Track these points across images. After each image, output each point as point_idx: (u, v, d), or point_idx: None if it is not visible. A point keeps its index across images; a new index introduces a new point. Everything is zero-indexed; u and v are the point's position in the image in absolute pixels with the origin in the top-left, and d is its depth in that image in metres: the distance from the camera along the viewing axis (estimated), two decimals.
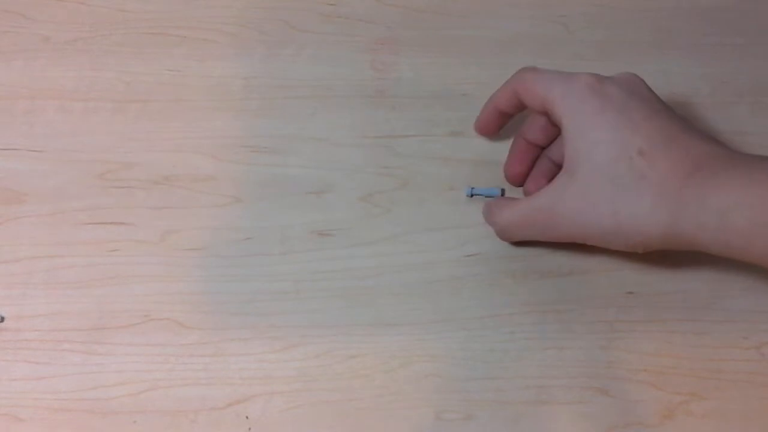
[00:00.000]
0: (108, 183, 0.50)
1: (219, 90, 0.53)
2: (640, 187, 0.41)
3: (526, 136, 0.49)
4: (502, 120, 0.49)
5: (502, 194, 0.50)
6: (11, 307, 0.46)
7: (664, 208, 0.40)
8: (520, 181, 0.49)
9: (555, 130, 0.47)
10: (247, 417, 0.44)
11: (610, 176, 0.41)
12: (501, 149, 0.51)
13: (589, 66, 0.54)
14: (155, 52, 0.54)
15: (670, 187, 0.40)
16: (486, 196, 0.50)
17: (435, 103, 0.53)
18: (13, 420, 0.43)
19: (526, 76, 0.46)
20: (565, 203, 0.43)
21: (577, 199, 0.42)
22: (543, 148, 0.49)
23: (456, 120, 0.52)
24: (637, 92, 0.44)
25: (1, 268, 0.47)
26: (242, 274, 0.47)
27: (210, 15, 0.56)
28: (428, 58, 0.54)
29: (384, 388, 0.45)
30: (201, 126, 0.52)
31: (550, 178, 0.47)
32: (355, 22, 0.56)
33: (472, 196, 0.50)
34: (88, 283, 0.47)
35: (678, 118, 0.43)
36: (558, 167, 0.46)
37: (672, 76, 0.54)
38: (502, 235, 0.47)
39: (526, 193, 0.49)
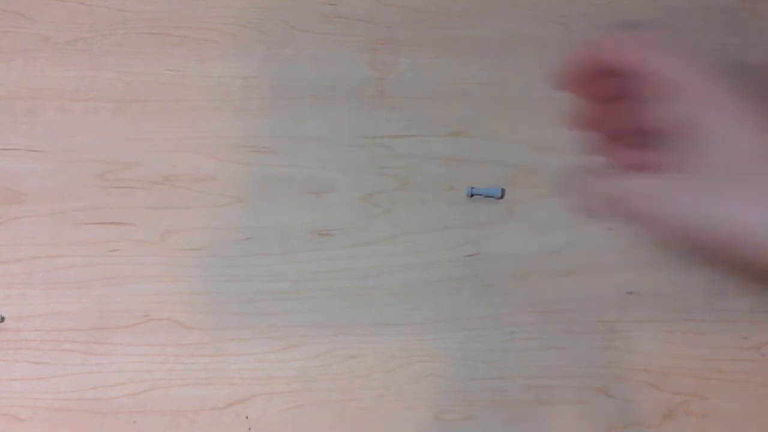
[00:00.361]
0: (108, 183, 0.50)
1: (219, 90, 0.53)
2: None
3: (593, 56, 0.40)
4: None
5: (502, 194, 0.50)
6: (11, 307, 0.46)
7: None
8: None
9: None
10: (247, 417, 0.44)
11: (748, 165, 0.36)
12: (501, 149, 0.51)
13: None
14: (155, 52, 0.55)
15: None
16: (486, 196, 0.50)
17: (435, 103, 0.53)
18: (13, 420, 0.43)
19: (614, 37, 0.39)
20: (700, 189, 0.37)
21: (712, 189, 0.36)
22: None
23: (456, 120, 0.52)
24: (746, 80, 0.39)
25: (1, 268, 0.47)
26: (242, 274, 0.47)
27: (210, 15, 0.56)
28: (428, 58, 0.54)
29: (384, 388, 0.45)
30: (201, 126, 0.52)
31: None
32: (355, 22, 0.56)
33: (472, 196, 0.50)
34: (88, 283, 0.47)
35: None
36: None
37: None
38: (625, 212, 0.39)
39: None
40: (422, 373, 0.45)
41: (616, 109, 0.41)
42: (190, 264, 0.48)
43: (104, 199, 0.50)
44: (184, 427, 0.44)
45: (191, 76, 0.54)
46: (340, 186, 0.50)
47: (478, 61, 0.54)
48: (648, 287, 0.48)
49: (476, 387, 0.45)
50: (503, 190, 0.50)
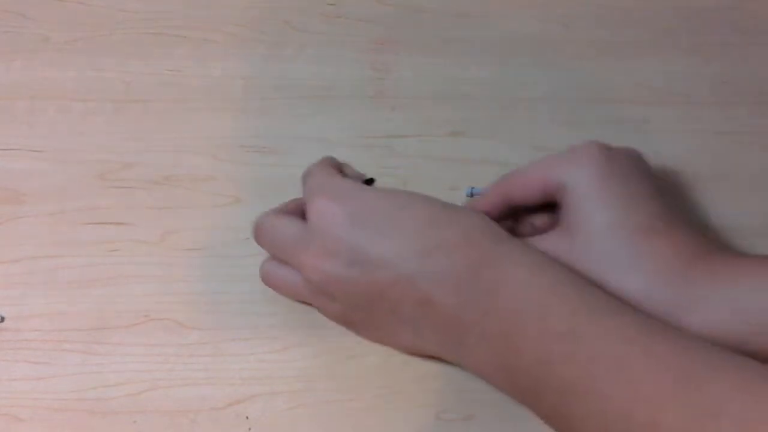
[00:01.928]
0: (108, 183, 0.50)
1: (219, 90, 0.53)
2: (638, 265, 0.39)
3: (511, 196, 0.45)
4: None
5: None
6: (11, 307, 0.46)
7: (665, 292, 0.39)
8: None
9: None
10: (247, 417, 0.44)
11: (607, 246, 0.40)
12: (501, 149, 0.51)
13: (588, 66, 0.54)
14: (155, 52, 0.55)
15: (673, 272, 0.39)
16: None
17: (435, 103, 0.53)
18: (13, 420, 0.43)
19: (514, 173, 0.44)
20: (560, 259, 0.41)
21: (573, 261, 0.40)
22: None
23: (456, 120, 0.52)
24: (640, 167, 0.43)
25: (1, 268, 0.47)
26: (242, 274, 0.47)
27: (210, 15, 0.56)
28: (428, 58, 0.54)
29: (384, 388, 0.44)
30: (201, 126, 0.52)
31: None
32: (355, 22, 0.56)
33: (472, 195, 0.49)
34: (88, 283, 0.47)
35: (674, 205, 0.42)
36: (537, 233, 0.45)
37: (672, 76, 0.54)
38: None
39: None
40: (422, 373, 0.45)
41: None
42: (190, 264, 0.48)
43: (104, 199, 0.50)
44: (184, 427, 0.43)
45: (191, 76, 0.54)
46: None
47: (478, 61, 0.54)
48: None
49: (476, 387, 0.45)
50: None
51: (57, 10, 0.56)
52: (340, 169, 0.48)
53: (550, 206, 0.44)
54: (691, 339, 0.35)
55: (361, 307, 0.41)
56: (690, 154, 0.51)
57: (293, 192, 0.49)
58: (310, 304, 0.45)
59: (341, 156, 0.51)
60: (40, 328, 0.46)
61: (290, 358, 0.45)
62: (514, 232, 0.44)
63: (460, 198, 0.49)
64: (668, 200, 0.42)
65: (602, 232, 0.40)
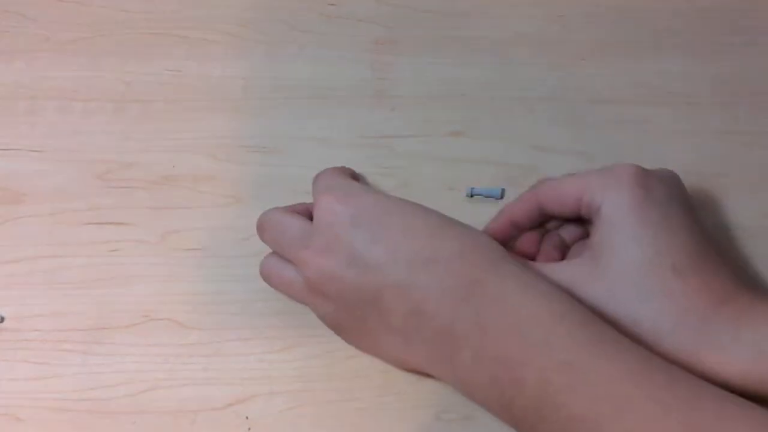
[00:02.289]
0: (108, 183, 0.50)
1: (219, 90, 0.53)
2: (666, 303, 0.39)
3: (516, 220, 0.45)
4: (514, 233, 0.46)
5: (502, 194, 0.50)
6: (11, 307, 0.46)
7: (689, 331, 0.38)
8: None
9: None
10: (247, 417, 0.44)
11: (637, 280, 0.39)
12: (501, 149, 0.51)
13: (588, 65, 0.54)
14: (155, 52, 0.55)
15: (699, 313, 0.38)
16: (486, 196, 0.50)
17: (435, 103, 0.53)
18: (13, 420, 0.43)
19: (550, 183, 0.44)
20: (586, 287, 0.40)
21: (598, 289, 0.40)
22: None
23: (456, 120, 0.52)
24: (677, 194, 0.42)
25: (1, 268, 0.47)
26: (242, 274, 0.47)
27: (210, 15, 0.56)
28: (428, 58, 0.54)
29: (384, 388, 0.44)
30: (201, 126, 0.52)
31: (561, 252, 0.45)
32: (355, 22, 0.56)
33: (472, 196, 0.50)
34: (88, 283, 0.47)
35: (708, 237, 0.41)
36: (567, 247, 0.45)
37: (672, 76, 0.54)
38: None
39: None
40: (422, 373, 0.45)
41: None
42: (190, 264, 0.48)
43: (104, 199, 0.50)
44: (184, 427, 0.43)
45: (191, 76, 0.54)
46: None
47: (478, 61, 0.54)
48: None
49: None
50: (503, 190, 0.50)
51: (57, 10, 0.56)
52: (354, 176, 0.48)
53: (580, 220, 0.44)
54: (702, 386, 0.35)
55: (352, 311, 0.41)
56: (689, 153, 0.51)
57: (293, 192, 0.49)
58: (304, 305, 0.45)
59: (341, 156, 0.51)
60: (40, 328, 0.46)
61: (290, 358, 0.45)
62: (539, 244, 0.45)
63: (459, 197, 0.49)
64: (701, 229, 0.42)
65: (634, 266, 0.39)
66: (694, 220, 0.41)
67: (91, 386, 0.44)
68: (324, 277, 0.41)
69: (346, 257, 0.40)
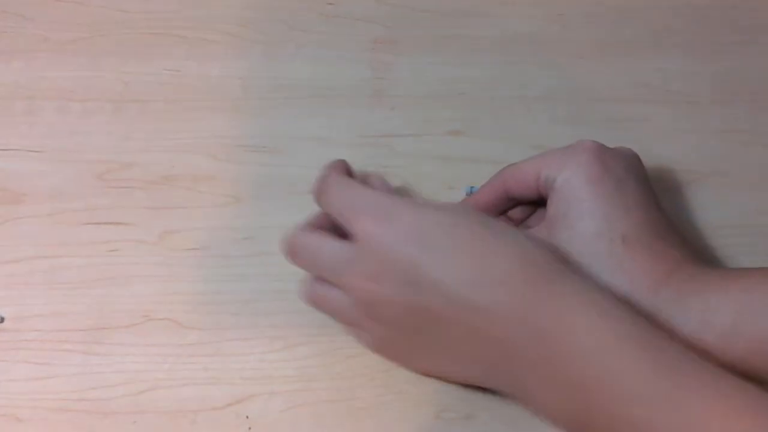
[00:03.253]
0: (107, 183, 0.50)
1: (218, 90, 0.53)
2: (617, 274, 0.39)
3: (482, 207, 0.45)
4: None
5: None
6: (11, 307, 0.46)
7: (639, 302, 0.39)
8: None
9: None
10: (247, 417, 0.44)
11: (588, 253, 0.40)
12: (500, 148, 0.51)
13: (588, 65, 0.54)
14: (154, 52, 0.55)
15: (648, 284, 0.39)
16: None
17: (434, 102, 0.53)
18: (13, 420, 0.43)
19: (513, 165, 0.44)
20: None
21: None
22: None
23: (455, 119, 0.52)
24: (634, 171, 0.42)
25: (1, 268, 0.47)
26: (242, 273, 0.47)
27: (210, 15, 0.56)
28: (427, 57, 0.54)
29: (384, 388, 0.44)
30: (200, 126, 0.52)
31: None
32: (354, 21, 0.56)
33: (471, 195, 0.50)
34: (88, 283, 0.47)
35: (663, 212, 0.42)
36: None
37: (671, 75, 0.54)
38: None
39: None
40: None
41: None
42: (190, 264, 0.48)
43: (103, 199, 0.50)
44: (184, 427, 0.43)
45: (190, 76, 0.54)
46: None
47: (478, 61, 0.54)
48: None
49: (476, 387, 0.45)
50: None
51: (56, 10, 0.56)
52: (349, 172, 0.46)
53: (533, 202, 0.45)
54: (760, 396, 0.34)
55: (409, 332, 0.40)
56: (689, 152, 0.51)
57: (293, 192, 0.49)
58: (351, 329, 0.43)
59: (340, 155, 0.50)
60: (40, 328, 0.46)
61: (290, 358, 0.45)
62: None
63: (459, 197, 0.49)
64: (657, 205, 0.42)
65: (586, 238, 0.40)
66: (650, 197, 0.42)
67: (91, 386, 0.44)
68: (377, 302, 0.39)
69: (401, 278, 0.38)
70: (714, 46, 0.55)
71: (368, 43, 0.55)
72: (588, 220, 0.40)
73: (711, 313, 0.38)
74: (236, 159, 0.51)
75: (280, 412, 0.44)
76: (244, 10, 0.56)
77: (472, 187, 0.49)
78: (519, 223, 0.46)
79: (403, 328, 0.40)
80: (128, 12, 0.56)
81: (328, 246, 0.41)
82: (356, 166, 0.50)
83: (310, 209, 0.49)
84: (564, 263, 0.38)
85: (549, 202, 0.42)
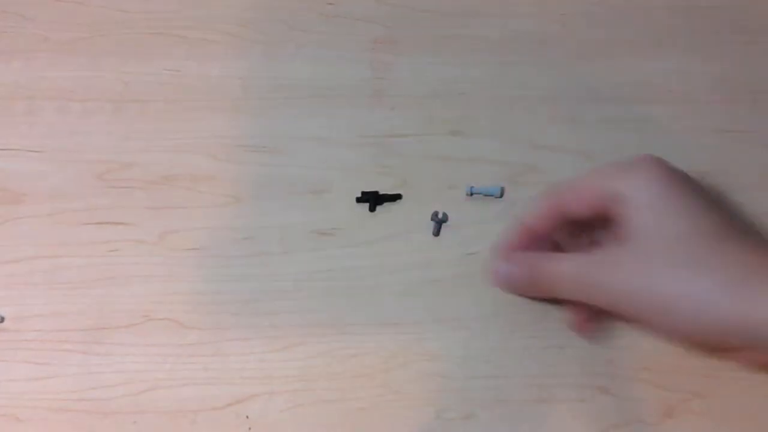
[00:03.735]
0: (107, 183, 0.50)
1: (218, 90, 0.53)
2: (717, 271, 0.39)
3: (535, 228, 0.45)
4: (532, 242, 0.45)
5: (502, 193, 0.50)
6: (11, 307, 0.46)
7: (738, 295, 0.38)
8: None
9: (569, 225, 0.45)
10: (247, 417, 0.44)
11: (678, 254, 0.39)
12: (500, 148, 0.51)
13: (588, 64, 0.54)
14: (155, 52, 0.55)
15: (743, 277, 0.39)
16: (485, 195, 0.50)
17: (434, 102, 0.53)
18: (13, 420, 0.43)
19: (565, 183, 0.44)
20: (612, 276, 0.41)
21: (631, 272, 0.40)
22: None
23: (455, 119, 0.52)
24: (694, 181, 0.43)
25: (1, 268, 0.47)
26: (242, 274, 0.47)
27: (209, 15, 0.56)
28: (427, 57, 0.54)
29: (384, 388, 0.44)
30: (200, 126, 0.52)
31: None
32: (354, 21, 0.56)
33: (471, 194, 0.50)
34: (88, 283, 0.47)
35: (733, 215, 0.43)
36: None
37: (671, 74, 0.54)
38: (544, 289, 0.44)
39: None
40: (422, 373, 0.45)
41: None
42: (190, 264, 0.48)
43: (103, 199, 0.50)
44: (184, 427, 0.43)
45: (190, 76, 0.54)
46: (339, 185, 0.50)
47: (478, 61, 0.54)
48: None
49: (476, 386, 0.45)
50: (503, 189, 0.50)
51: (56, 10, 0.56)
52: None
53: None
54: None
55: None
56: (689, 152, 0.51)
57: (293, 192, 0.49)
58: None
59: (340, 155, 0.51)
60: (40, 328, 0.46)
61: (290, 357, 0.45)
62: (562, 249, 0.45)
63: (459, 196, 0.49)
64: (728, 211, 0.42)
65: (672, 241, 0.40)
66: (717, 203, 0.42)
67: (91, 386, 0.44)
68: None
69: None
70: (714, 46, 0.55)
71: (368, 43, 0.55)
72: (671, 224, 0.40)
73: None
74: (236, 159, 0.51)
75: (280, 412, 0.44)
76: (244, 10, 0.56)
77: (472, 187, 0.49)
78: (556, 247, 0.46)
79: None
80: (128, 12, 0.56)
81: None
82: (356, 165, 0.50)
83: (309, 209, 0.49)
84: None
85: (618, 217, 0.42)
